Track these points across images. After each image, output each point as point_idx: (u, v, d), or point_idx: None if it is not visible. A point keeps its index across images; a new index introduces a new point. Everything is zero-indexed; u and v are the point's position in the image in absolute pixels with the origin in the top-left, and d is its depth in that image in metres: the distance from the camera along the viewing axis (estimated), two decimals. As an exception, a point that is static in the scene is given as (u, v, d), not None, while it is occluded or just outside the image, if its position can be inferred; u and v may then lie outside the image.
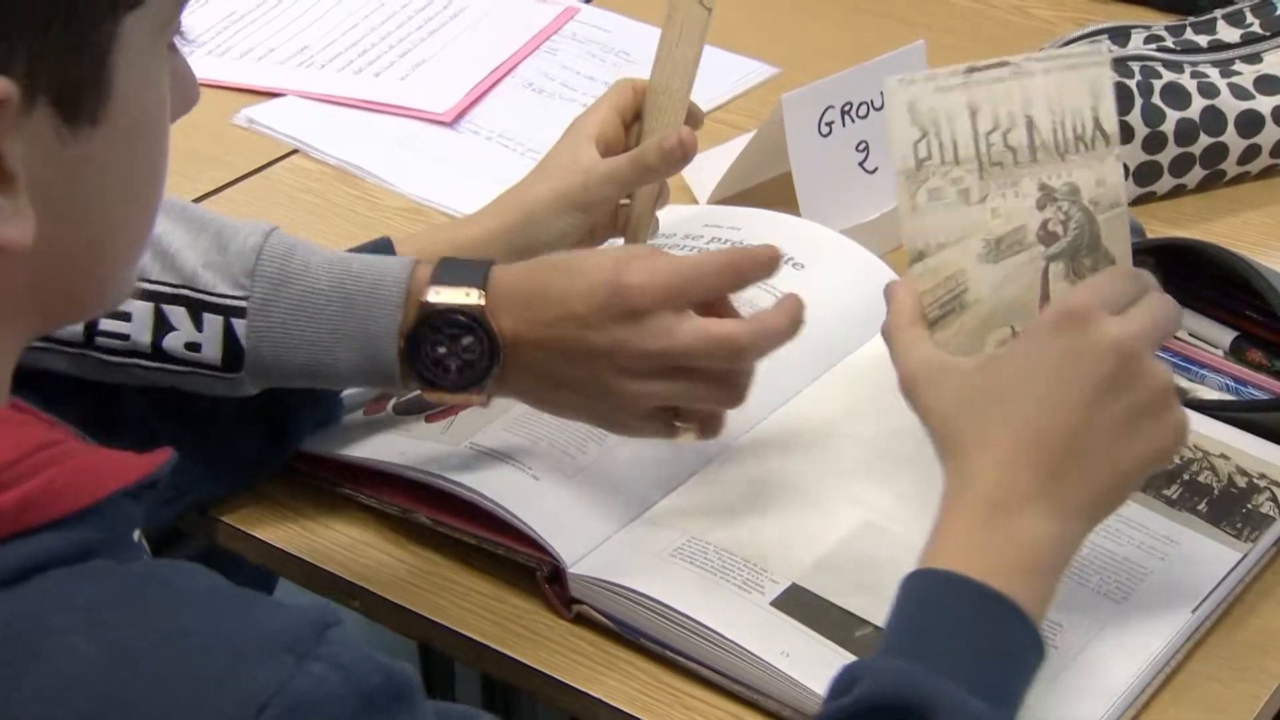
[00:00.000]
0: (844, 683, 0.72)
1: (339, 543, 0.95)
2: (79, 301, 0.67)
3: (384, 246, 0.98)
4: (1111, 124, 0.79)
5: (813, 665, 0.81)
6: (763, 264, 0.87)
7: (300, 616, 0.60)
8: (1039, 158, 0.80)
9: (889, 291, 0.84)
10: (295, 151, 1.34)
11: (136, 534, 0.68)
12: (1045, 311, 0.80)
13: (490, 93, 1.40)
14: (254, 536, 0.96)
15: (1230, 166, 1.23)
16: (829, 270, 1.04)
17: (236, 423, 0.93)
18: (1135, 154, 1.20)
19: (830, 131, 1.15)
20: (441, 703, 0.63)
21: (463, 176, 1.30)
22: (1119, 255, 0.82)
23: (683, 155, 0.97)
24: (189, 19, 0.66)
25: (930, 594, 0.76)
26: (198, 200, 1.27)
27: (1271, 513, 0.91)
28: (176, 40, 0.66)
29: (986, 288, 0.82)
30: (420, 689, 0.61)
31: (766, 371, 0.93)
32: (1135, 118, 1.19)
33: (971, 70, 0.80)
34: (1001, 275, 0.82)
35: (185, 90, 0.68)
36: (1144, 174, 1.21)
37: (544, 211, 0.99)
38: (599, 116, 1.01)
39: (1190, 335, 1.03)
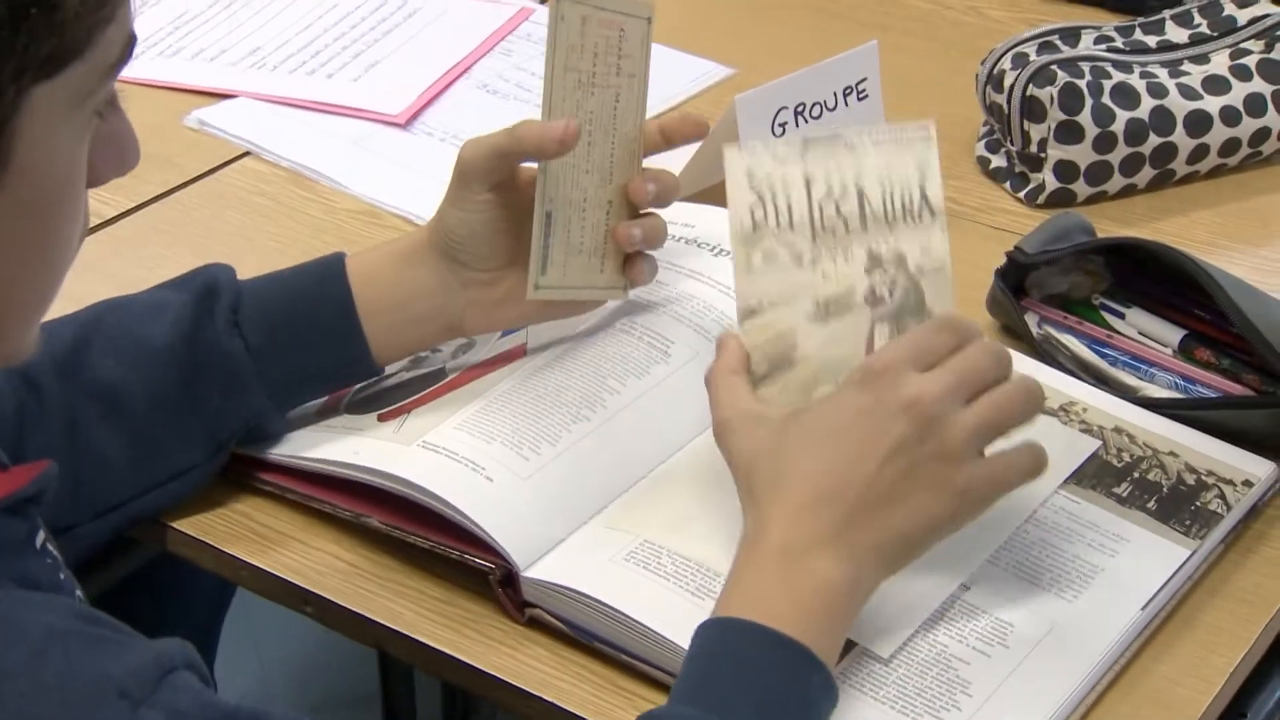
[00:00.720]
0: None
1: (291, 549, 0.95)
2: None
3: (336, 266, 0.97)
4: (937, 198, 0.83)
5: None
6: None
7: (145, 657, 0.58)
8: (869, 226, 0.84)
9: (720, 341, 0.87)
10: (247, 154, 1.34)
11: (40, 540, 0.67)
12: (855, 368, 0.82)
13: (444, 94, 1.40)
14: (205, 543, 0.96)
15: (1179, 166, 1.24)
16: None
17: (170, 431, 0.93)
18: (1086, 154, 1.21)
19: (784, 132, 1.14)
20: None
21: (417, 177, 1.29)
22: (943, 312, 0.85)
23: (559, 142, 0.91)
24: (139, 23, 0.65)
25: (722, 641, 0.77)
26: (149, 203, 1.27)
27: (1219, 510, 0.92)
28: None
29: (814, 346, 0.86)
30: None
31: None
32: (1085, 118, 1.20)
33: (807, 142, 0.84)
34: (829, 335, 0.86)
35: (122, 153, 0.67)
36: (1094, 174, 1.22)
37: (450, 203, 0.95)
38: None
39: (1140, 334, 1.04)
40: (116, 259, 1.19)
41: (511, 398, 0.96)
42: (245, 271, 1.19)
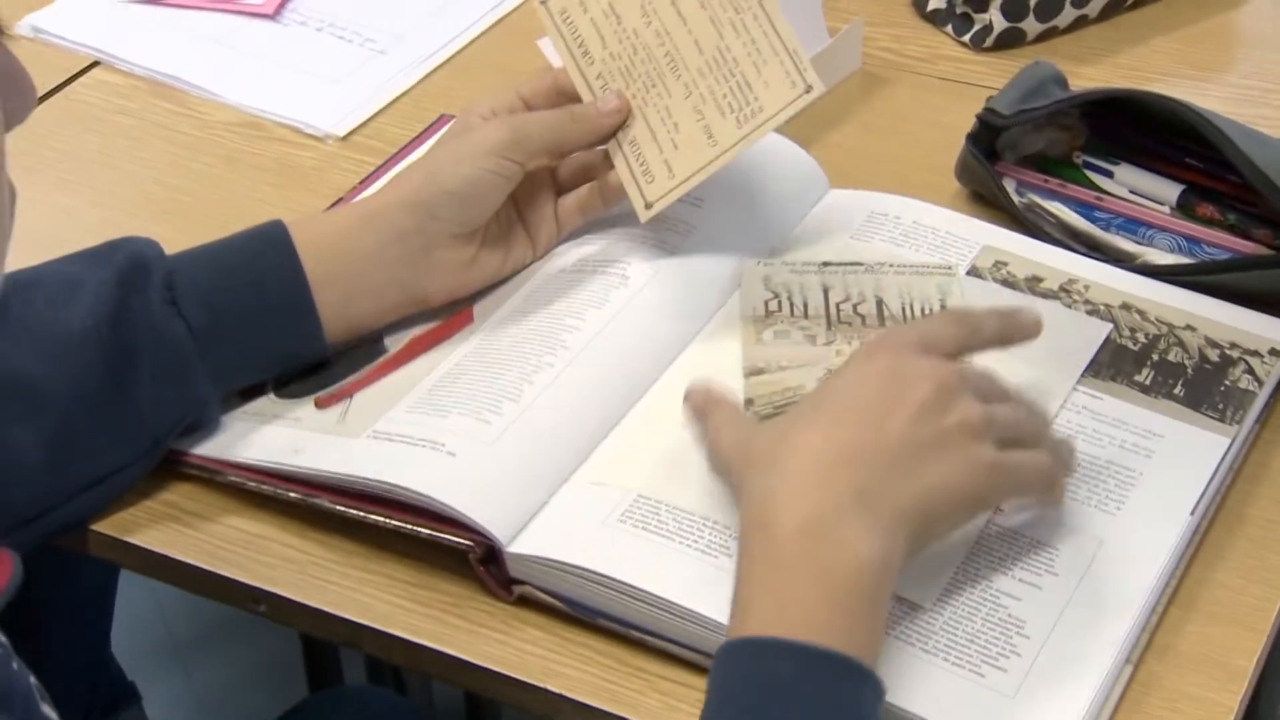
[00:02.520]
0: None
1: (233, 540, 0.84)
2: None
3: (278, 234, 0.85)
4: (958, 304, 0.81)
5: (799, 632, 0.73)
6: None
7: None
8: (887, 324, 0.80)
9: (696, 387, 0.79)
10: (96, 64, 1.19)
11: None
12: (857, 348, 0.75)
13: (312, -27, 1.25)
14: (131, 544, 0.84)
15: (1132, -10, 1.14)
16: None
17: (96, 428, 0.81)
18: (1036, -12, 1.11)
19: None
20: None
21: (298, 78, 1.15)
22: None
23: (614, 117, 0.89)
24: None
25: (752, 671, 0.66)
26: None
27: (1251, 387, 0.84)
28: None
29: None
30: None
31: (687, 291, 0.85)
32: (1033, -52, 1.09)
33: (826, 264, 0.83)
34: None
35: (18, 91, 0.55)
36: (1045, 9, 1.12)
37: (459, 162, 0.87)
38: (496, 100, 0.90)
39: (1132, 193, 0.95)
40: (-32, 209, 1.04)
41: (465, 366, 0.85)
42: (122, 204, 1.07)
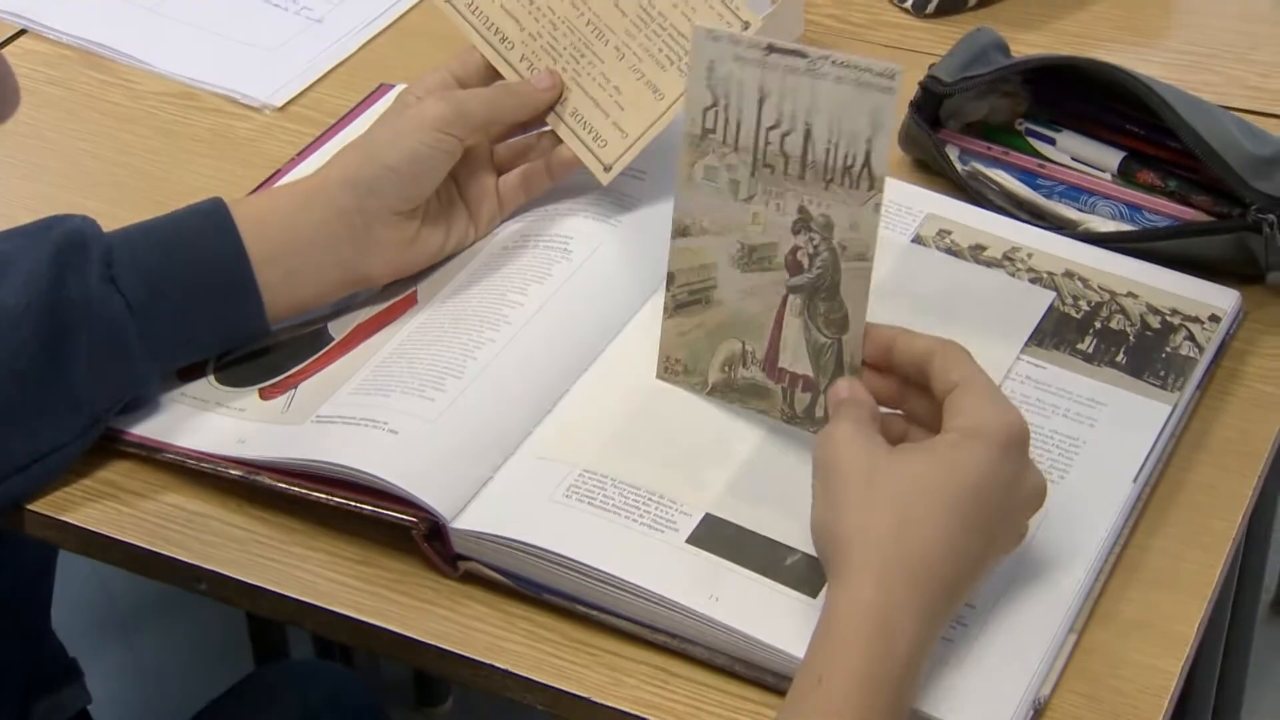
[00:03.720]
0: None
1: (172, 518, 0.82)
2: None
3: (218, 212, 0.84)
4: (881, 167, 0.75)
5: (743, 605, 0.73)
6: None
7: None
8: (806, 176, 0.77)
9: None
10: (23, 32, 1.16)
11: None
12: (995, 429, 0.71)
13: (244, -62, 1.23)
14: (68, 523, 0.83)
15: (1073, -45, 1.14)
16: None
17: (31, 407, 0.79)
18: (977, -48, 1.10)
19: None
20: None
21: (232, 46, 1.14)
22: (854, 310, 0.77)
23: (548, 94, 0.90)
24: None
25: None
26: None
27: (1192, 354, 0.85)
28: None
29: (731, 293, 0.80)
30: None
31: (631, 263, 0.84)
32: (974, -88, 1.09)
33: (771, 49, 0.76)
34: (746, 286, 0.79)
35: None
36: (987, -27, 1.12)
37: (400, 136, 0.86)
38: (430, 80, 0.90)
39: (1074, 160, 0.95)
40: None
41: (407, 346, 0.84)
42: (54, 177, 1.05)
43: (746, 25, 0.85)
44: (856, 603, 0.67)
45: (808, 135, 0.76)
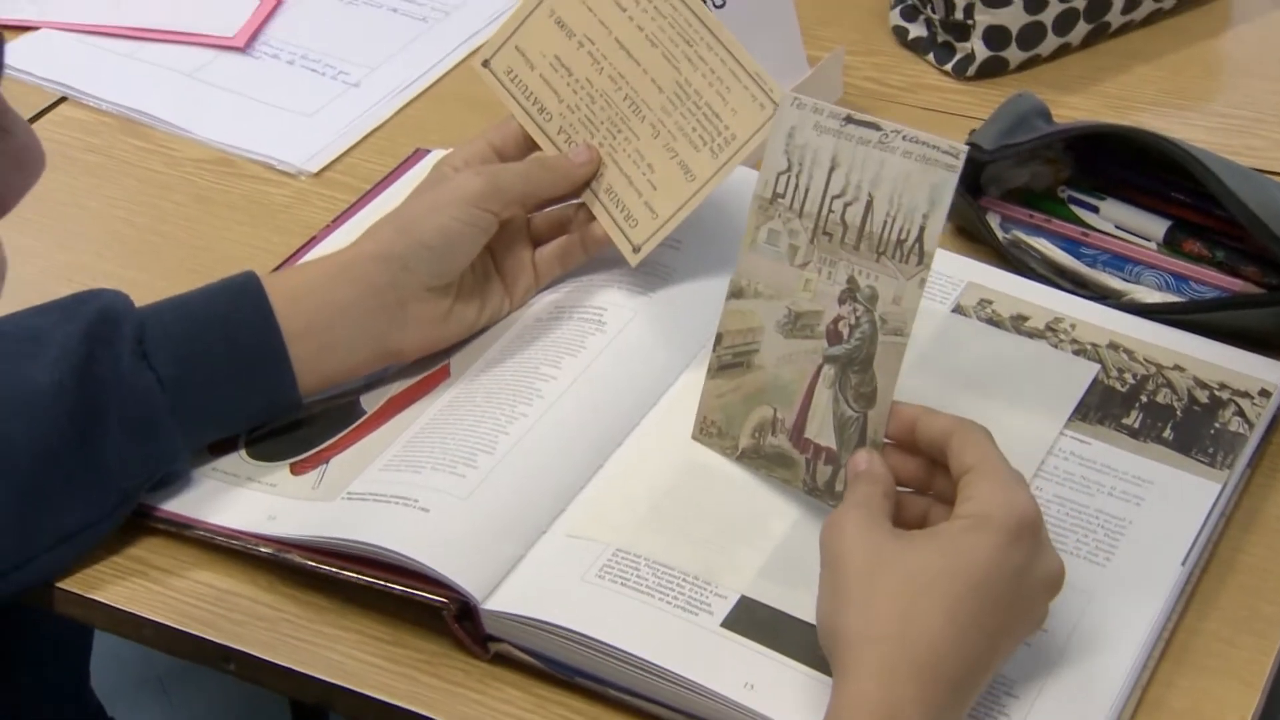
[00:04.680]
0: None
1: (201, 596, 0.81)
2: None
3: (251, 286, 0.84)
4: (932, 244, 0.75)
5: (781, 694, 0.71)
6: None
7: None
8: (861, 247, 0.76)
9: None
10: (63, 99, 1.17)
11: None
12: (996, 513, 0.69)
13: (283, 4, 1.23)
14: (97, 601, 0.82)
15: (1115, 17, 1.13)
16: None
17: (61, 486, 0.78)
18: (1017, 15, 1.09)
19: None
20: None
21: (269, 112, 1.13)
22: (883, 385, 0.76)
23: (585, 169, 0.89)
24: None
25: None
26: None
27: (1241, 430, 0.83)
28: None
29: (771, 358, 0.79)
30: None
31: (666, 335, 0.83)
32: (1015, -25, 1.08)
33: (849, 120, 0.77)
34: (786, 353, 0.79)
35: (23, 161, 0.54)
36: (1027, 37, 1.10)
37: (435, 210, 0.85)
38: (468, 150, 0.89)
39: (1118, 228, 0.93)
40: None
41: (439, 421, 0.83)
42: (91, 245, 1.05)
43: (777, 104, 0.84)
44: (860, 699, 0.65)
45: (869, 206, 0.76)
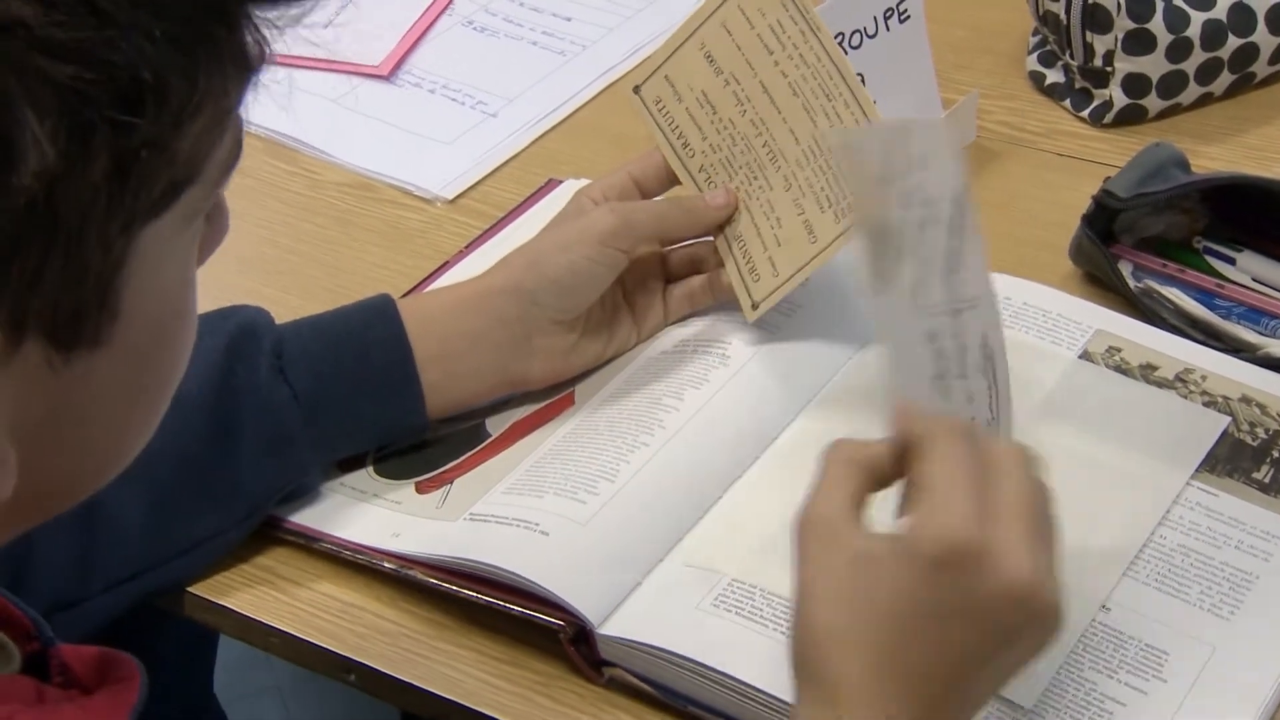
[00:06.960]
0: None
1: (325, 608, 0.83)
2: (57, 507, 0.56)
3: (386, 308, 0.86)
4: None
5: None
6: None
7: None
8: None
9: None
10: (215, 121, 1.20)
11: None
12: (926, 542, 0.61)
13: (427, 35, 1.26)
14: (226, 607, 0.84)
15: (1261, 68, 1.11)
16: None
17: (197, 493, 0.81)
18: (1158, 64, 1.08)
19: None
20: None
21: (409, 139, 1.16)
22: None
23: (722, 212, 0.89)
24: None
25: None
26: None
27: (1374, 489, 0.81)
28: None
29: None
30: None
31: (789, 371, 0.83)
32: (1157, 24, 1.07)
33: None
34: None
35: (219, 231, 0.56)
36: (1168, 86, 1.09)
37: (564, 249, 0.87)
38: (608, 182, 0.90)
39: (1255, 281, 0.92)
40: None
41: (562, 447, 0.84)
42: (234, 263, 1.08)
43: None
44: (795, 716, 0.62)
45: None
